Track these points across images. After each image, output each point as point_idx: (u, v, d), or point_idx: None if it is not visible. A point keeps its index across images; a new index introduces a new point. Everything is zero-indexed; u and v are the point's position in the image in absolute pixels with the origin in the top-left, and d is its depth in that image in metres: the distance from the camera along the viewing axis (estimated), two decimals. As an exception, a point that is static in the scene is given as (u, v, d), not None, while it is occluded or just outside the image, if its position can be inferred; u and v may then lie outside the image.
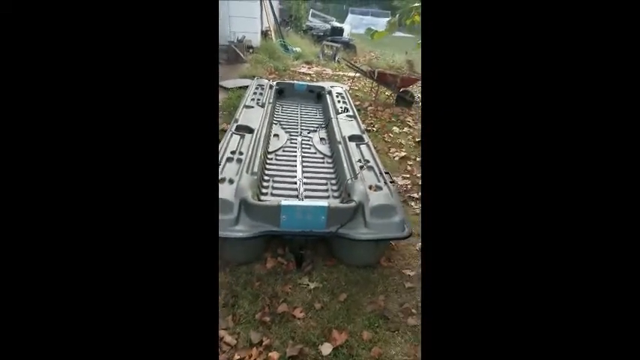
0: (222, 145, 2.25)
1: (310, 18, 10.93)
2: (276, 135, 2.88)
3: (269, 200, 1.97)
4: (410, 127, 4.11)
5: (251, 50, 6.59)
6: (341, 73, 6.35)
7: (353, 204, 1.76)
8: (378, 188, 1.92)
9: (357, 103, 4.61)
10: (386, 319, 1.60)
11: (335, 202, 1.84)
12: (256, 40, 6.90)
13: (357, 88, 5.42)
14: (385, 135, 3.78)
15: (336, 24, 10.01)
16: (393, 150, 3.42)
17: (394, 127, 4.00)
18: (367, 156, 2.31)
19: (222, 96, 4.34)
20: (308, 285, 1.74)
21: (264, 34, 7.36)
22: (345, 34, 9.18)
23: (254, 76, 4.64)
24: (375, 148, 3.19)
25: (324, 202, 1.71)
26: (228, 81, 4.74)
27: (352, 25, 12.33)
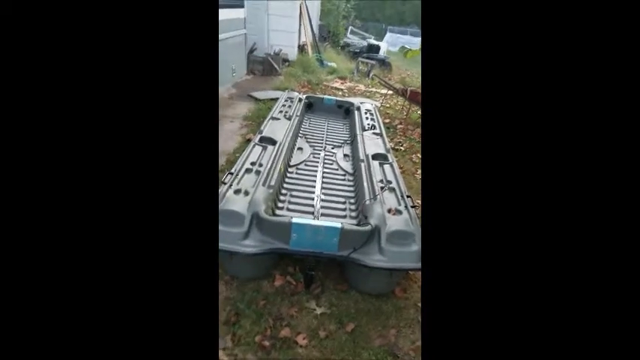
0: (243, 156, 2.23)
1: (349, 35, 11.04)
2: (300, 148, 2.84)
3: (283, 216, 1.91)
4: (441, 148, 3.93)
5: (287, 63, 6.70)
6: (374, 89, 6.28)
7: (368, 227, 1.66)
8: (398, 212, 1.80)
9: (387, 120, 4.51)
10: (395, 357, 1.47)
11: (349, 224, 1.75)
12: (293, 53, 7.03)
13: (388, 105, 5.32)
14: (414, 155, 3.64)
15: (373, 41, 9.98)
16: (420, 171, 3.28)
17: (424, 148, 3.86)
18: (390, 177, 2.20)
19: (252, 106, 4.40)
20: (315, 310, 1.65)
21: (301, 48, 7.48)
22: (382, 52, 9.13)
23: (286, 89, 4.68)
24: (400, 168, 3.08)
25: (337, 223, 1.62)
26: (260, 92, 4.81)
27: (389, 43, 12.31)
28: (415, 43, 11.38)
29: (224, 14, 3.56)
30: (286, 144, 2.53)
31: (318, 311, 1.64)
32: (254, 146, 2.36)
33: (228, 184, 1.86)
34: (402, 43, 11.71)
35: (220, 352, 1.40)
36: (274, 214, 1.93)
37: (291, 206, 2.09)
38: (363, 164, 2.37)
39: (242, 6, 4.16)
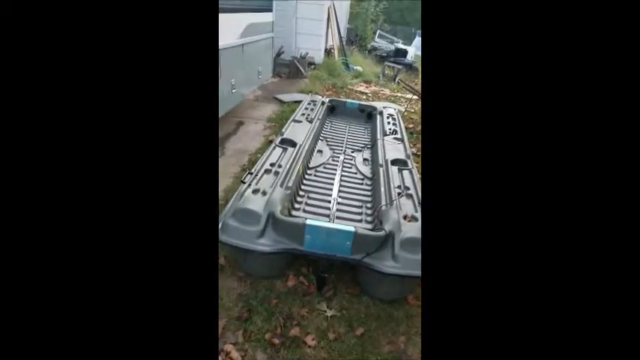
0: (263, 157, 2.28)
1: (377, 39, 10.98)
2: (320, 151, 2.87)
3: (299, 217, 1.94)
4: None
5: (312, 66, 6.77)
6: (399, 94, 6.23)
7: (382, 233, 1.66)
8: (414, 219, 1.78)
9: (411, 125, 4.46)
10: (403, 365, 1.46)
11: (363, 228, 1.75)
12: (319, 57, 7.09)
13: (413, 110, 5.26)
14: (436, 162, 3.58)
15: (401, 45, 9.88)
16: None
17: (447, 155, 3.78)
18: (408, 183, 2.18)
19: (276, 108, 4.47)
20: (325, 311, 1.66)
21: (328, 51, 7.53)
22: (409, 56, 9.03)
23: (310, 91, 4.73)
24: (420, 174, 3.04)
25: (350, 227, 1.63)
26: (285, 95, 4.89)
27: (418, 47, 12.12)
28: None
29: (252, 18, 3.65)
30: (306, 146, 2.56)
31: (329, 313, 1.65)
32: (274, 147, 2.41)
33: (247, 184, 1.91)
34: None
35: (231, 347, 1.44)
36: (291, 215, 1.96)
37: (308, 208, 2.12)
38: (381, 169, 2.36)
39: (270, 10, 4.25)
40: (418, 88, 5.80)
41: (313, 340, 1.51)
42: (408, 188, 2.11)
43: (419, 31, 16.45)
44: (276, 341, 1.48)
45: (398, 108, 4.68)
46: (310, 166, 2.60)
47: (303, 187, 2.32)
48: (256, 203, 1.74)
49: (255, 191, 1.84)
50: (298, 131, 2.75)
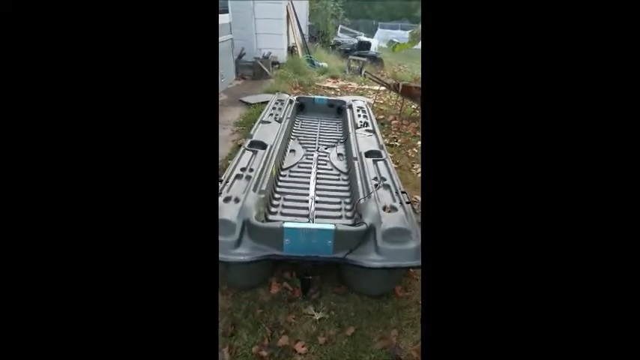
0: (233, 162, 2.19)
1: (339, 34, 10.99)
2: (292, 150, 2.80)
3: (276, 221, 1.86)
4: (436, 141, 3.89)
5: (277, 66, 6.66)
6: (366, 86, 6.24)
7: (363, 227, 1.61)
8: (393, 209, 1.75)
9: (381, 117, 4.47)
10: (397, 359, 1.42)
11: (343, 225, 1.70)
12: (282, 56, 6.98)
13: (381, 101, 5.27)
14: (409, 150, 3.59)
15: (364, 38, 9.95)
16: (417, 166, 3.23)
17: (419, 142, 3.81)
18: (384, 173, 2.15)
19: (244, 112, 4.36)
20: (313, 315, 1.60)
21: (291, 50, 7.44)
22: (373, 48, 9.09)
23: (277, 91, 4.64)
24: (396, 164, 3.03)
25: (330, 225, 1.58)
26: (251, 97, 4.76)
27: (380, 39, 12.24)
28: (403, 36, 11.34)
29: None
30: (277, 147, 2.48)
31: (317, 316, 1.59)
32: (244, 151, 2.32)
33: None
34: (392, 38, 11.66)
35: (217, 366, 1.36)
36: (267, 220, 1.89)
37: (285, 210, 2.05)
38: (356, 162, 2.32)
39: (226, 11, 4.12)
40: (384, 79, 5.83)
41: (303, 347, 1.45)
42: (384, 179, 2.08)
43: (380, 23, 16.70)
44: (264, 353, 1.41)
45: (367, 100, 4.67)
46: (284, 166, 2.53)
47: (278, 189, 2.24)
48: (229, 212, 1.65)
49: (226, 199, 1.76)
50: (267, 132, 2.67)
